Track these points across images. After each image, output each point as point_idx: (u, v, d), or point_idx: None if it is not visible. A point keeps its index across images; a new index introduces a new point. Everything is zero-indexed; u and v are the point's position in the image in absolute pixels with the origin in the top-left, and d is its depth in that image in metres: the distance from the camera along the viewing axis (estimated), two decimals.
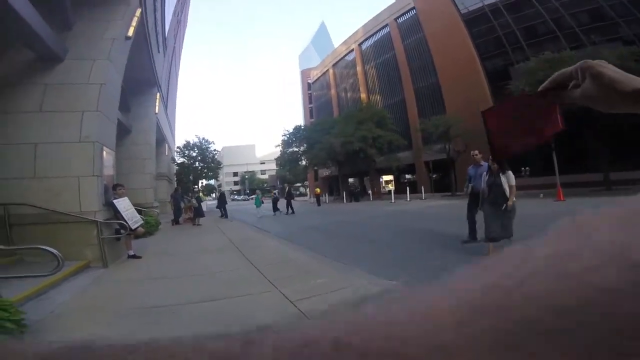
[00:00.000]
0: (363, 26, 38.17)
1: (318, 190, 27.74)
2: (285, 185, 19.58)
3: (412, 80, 30.86)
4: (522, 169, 19.34)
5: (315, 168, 39.04)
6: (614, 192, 14.36)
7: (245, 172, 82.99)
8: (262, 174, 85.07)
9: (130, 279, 4.32)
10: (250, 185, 78.57)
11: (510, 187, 4.51)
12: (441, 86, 27.91)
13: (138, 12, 6.95)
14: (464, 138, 19.40)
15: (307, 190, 50.10)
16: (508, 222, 4.55)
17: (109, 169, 6.05)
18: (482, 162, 5.20)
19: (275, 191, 18.24)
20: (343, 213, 15.32)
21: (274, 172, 68.69)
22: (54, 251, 2.57)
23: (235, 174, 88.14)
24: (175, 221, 12.55)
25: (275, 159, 41.63)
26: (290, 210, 16.48)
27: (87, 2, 6.05)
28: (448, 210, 11.82)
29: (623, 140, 17.52)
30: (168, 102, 19.62)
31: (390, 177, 33.20)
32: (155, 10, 11.19)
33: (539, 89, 0.56)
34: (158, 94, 13.48)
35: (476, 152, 5.36)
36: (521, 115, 0.67)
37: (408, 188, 23.77)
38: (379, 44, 35.78)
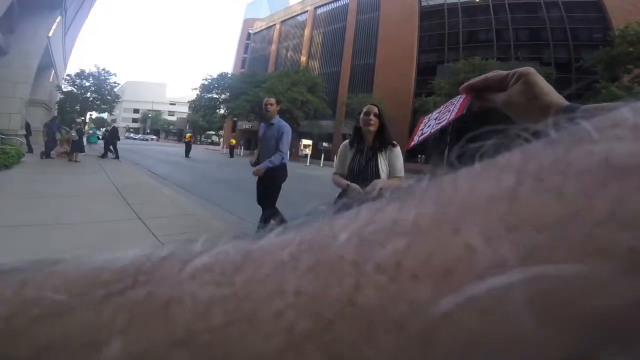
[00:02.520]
0: None
1: (233, 141, 27.04)
2: (109, 124, 15.95)
3: (353, 55, 31.23)
4: (419, 156, 21.59)
5: (235, 119, 36.96)
6: None
7: (149, 110, 73.05)
8: (170, 115, 76.37)
9: None
10: (152, 125, 69.99)
11: (394, 178, 2.23)
12: (375, 69, 28.83)
13: None
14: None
15: (221, 140, 47.71)
16: None
17: None
18: (274, 120, 3.59)
19: (108, 128, 13.69)
20: None
21: (184, 115, 62.37)
22: None
23: (136, 111, 76.88)
24: (46, 154, 10.30)
25: (189, 102, 37.77)
26: (113, 154, 12.33)
27: None
28: None
29: None
30: (71, 27, 17.33)
31: (309, 142, 34.26)
32: None
33: (466, 83, 0.58)
34: (59, 18, 12.17)
35: (271, 100, 3.67)
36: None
37: (323, 155, 24.75)
38: (335, 12, 35.12)
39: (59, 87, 21.86)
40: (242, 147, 31.21)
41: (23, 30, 10.97)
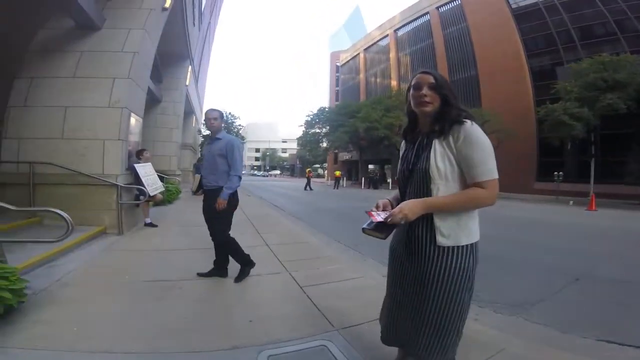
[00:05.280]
0: (400, 12, 36.90)
1: (338, 173, 27.79)
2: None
3: (449, 70, 29.41)
4: (555, 173, 18.15)
5: (336, 151, 38.81)
6: None
7: (266, 149, 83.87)
8: (283, 152, 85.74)
9: (142, 248, 4.35)
10: (270, 162, 79.66)
11: (467, 188, 1.22)
12: (479, 79, 26.54)
13: None
14: (498, 135, 18.30)
15: (326, 172, 50.30)
16: (438, 315, 1.29)
17: (134, 135, 6.06)
18: (220, 135, 3.12)
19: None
20: (361, 199, 15.13)
21: (294, 151, 68.96)
22: (64, 214, 2.37)
23: (257, 150, 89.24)
24: (196, 191, 12.80)
25: (297, 139, 41.73)
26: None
27: None
28: None
29: None
30: (199, 76, 19.99)
31: None
32: None
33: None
34: (190, 67, 13.66)
35: (214, 114, 3.11)
36: None
37: None
38: (417, 31, 34.43)
39: (199, 131, 25.25)
40: (345, 178, 32.12)
41: (167, 80, 12.51)
